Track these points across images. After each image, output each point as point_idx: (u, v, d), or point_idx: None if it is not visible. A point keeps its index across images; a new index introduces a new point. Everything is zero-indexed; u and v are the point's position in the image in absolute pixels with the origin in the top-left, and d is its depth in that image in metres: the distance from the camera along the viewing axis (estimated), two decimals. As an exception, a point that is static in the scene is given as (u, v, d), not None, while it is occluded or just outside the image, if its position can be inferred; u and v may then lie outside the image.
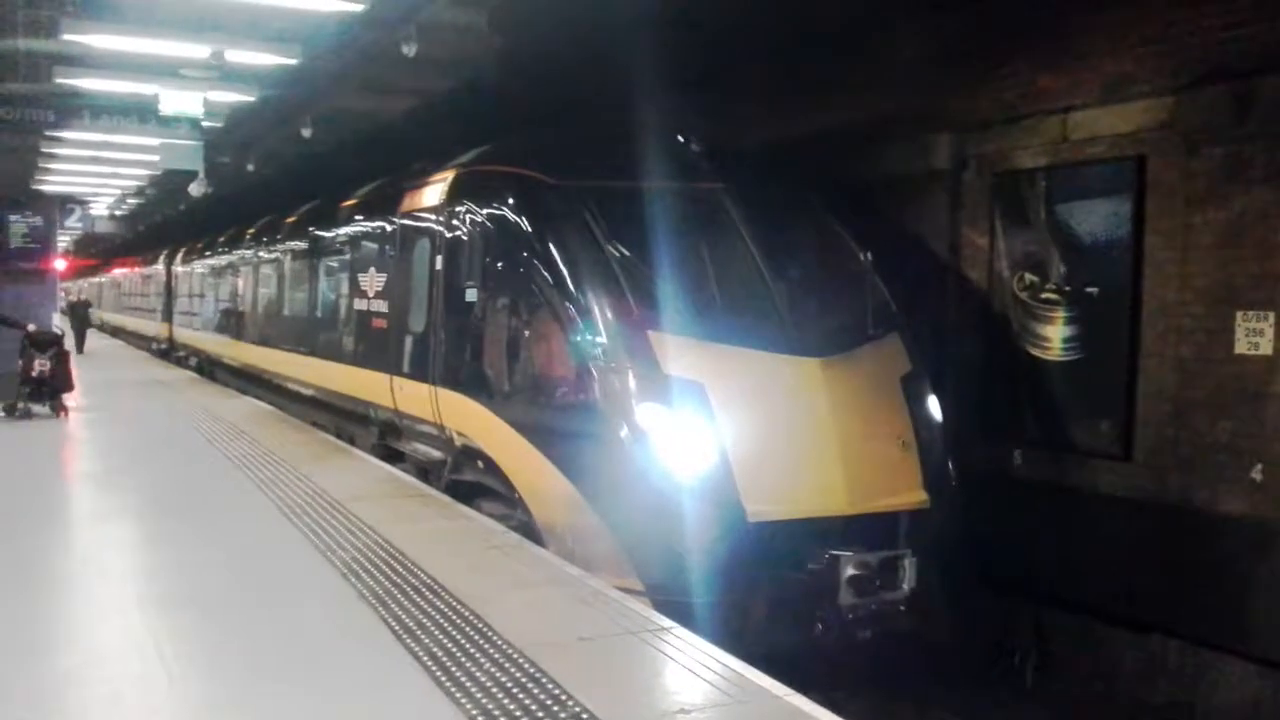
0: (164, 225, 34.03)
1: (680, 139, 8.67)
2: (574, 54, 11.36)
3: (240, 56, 11.50)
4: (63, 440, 12.40)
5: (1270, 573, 7.35)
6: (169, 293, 28.31)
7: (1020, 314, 9.14)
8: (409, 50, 10.25)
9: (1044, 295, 8.91)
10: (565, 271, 7.64)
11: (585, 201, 7.87)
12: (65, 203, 26.82)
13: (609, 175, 8.20)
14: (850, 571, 6.72)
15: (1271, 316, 7.27)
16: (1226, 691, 7.46)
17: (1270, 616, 7.34)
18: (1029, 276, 9.06)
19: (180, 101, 13.16)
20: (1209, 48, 7.65)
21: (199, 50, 11.28)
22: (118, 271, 43.71)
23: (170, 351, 27.69)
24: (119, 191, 26.96)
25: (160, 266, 29.87)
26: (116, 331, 40.93)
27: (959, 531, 7.45)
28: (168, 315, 28.43)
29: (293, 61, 11.65)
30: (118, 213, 32.95)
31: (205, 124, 14.84)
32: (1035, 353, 8.99)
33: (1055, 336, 8.83)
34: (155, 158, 16.36)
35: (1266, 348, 7.31)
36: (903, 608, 6.95)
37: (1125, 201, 8.27)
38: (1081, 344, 8.66)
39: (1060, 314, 8.79)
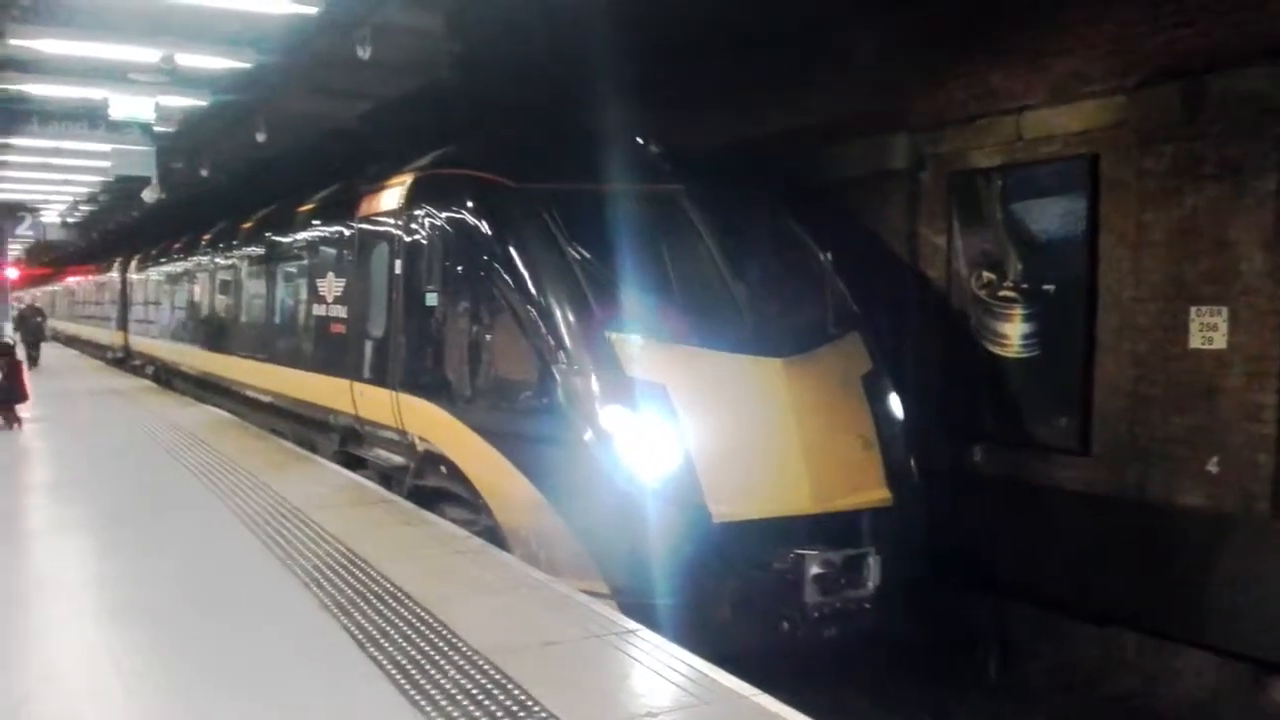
0: (118, 232, 33.56)
1: (639, 140, 8.66)
2: (530, 57, 11.32)
3: (192, 60, 11.36)
4: (16, 452, 12.16)
5: (1226, 563, 7.46)
6: (124, 300, 27.91)
7: (978, 312, 9.22)
8: (364, 53, 10.18)
9: (1002, 293, 9.00)
10: (526, 274, 7.59)
11: (545, 204, 7.83)
12: (15, 211, 26.44)
13: (569, 178, 8.17)
14: (815, 570, 6.74)
15: (1225, 311, 7.39)
16: (1185, 683, 7.56)
17: (1227, 607, 7.45)
18: (987, 275, 9.14)
19: (131, 106, 13.00)
20: (1159, 47, 7.75)
21: (149, 54, 11.13)
22: (71, 280, 43.03)
23: (126, 360, 27.29)
24: (71, 198, 26.61)
25: (115, 274, 29.44)
26: (71, 341, 40.28)
27: (922, 528, 7.50)
28: (123, 323, 28.02)
29: (245, 65, 11.53)
30: (70, 220, 32.50)
31: (157, 129, 14.65)
32: (994, 350, 9.08)
33: (1013, 334, 8.92)
34: (107, 163, 16.12)
35: (1220, 342, 7.42)
36: (867, 605, 6.99)
37: (1079, 200, 8.37)
38: (1039, 341, 8.75)
39: (1018, 311, 8.88)
